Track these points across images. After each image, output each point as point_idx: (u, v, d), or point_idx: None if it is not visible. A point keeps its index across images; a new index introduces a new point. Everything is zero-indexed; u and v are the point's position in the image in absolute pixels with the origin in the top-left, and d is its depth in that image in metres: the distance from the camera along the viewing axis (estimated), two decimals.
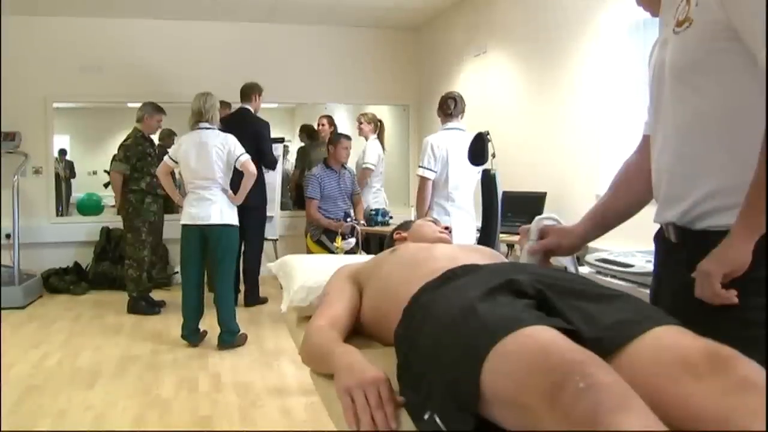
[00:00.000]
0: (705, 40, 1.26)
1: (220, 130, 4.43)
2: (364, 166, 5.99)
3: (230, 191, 4.37)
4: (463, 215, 4.15)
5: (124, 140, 5.40)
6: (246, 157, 4.33)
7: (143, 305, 5.40)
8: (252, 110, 5.48)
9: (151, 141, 5.47)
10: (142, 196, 5.33)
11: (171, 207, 7.40)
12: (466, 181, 4.15)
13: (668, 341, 1.14)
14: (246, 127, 5.17)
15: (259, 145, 5.20)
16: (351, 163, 5.81)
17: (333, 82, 7.19)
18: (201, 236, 4.30)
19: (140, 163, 5.30)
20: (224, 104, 5.69)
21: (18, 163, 6.05)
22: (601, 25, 4.15)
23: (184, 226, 4.33)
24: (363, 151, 6.07)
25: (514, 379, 1.06)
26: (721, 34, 1.24)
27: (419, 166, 4.12)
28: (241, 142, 4.42)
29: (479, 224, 3.83)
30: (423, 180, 4.11)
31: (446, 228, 2.23)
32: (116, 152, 5.46)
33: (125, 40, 6.60)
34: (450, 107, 4.17)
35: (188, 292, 4.39)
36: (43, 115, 6.46)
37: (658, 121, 1.44)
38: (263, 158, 5.29)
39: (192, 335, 4.39)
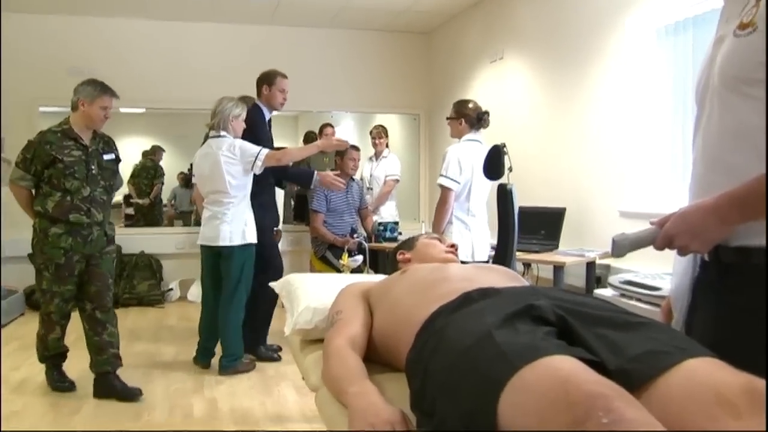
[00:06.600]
0: (766, 50, 1.24)
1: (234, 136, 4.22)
2: (392, 177, 6.17)
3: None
4: (483, 231, 4.14)
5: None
6: (266, 152, 4.14)
7: (54, 376, 3.95)
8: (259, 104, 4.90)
9: (77, 140, 3.62)
10: (47, 225, 3.60)
11: (157, 220, 7.45)
12: (483, 195, 4.15)
13: (703, 375, 1.13)
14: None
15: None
16: (357, 177, 5.84)
17: (339, 90, 7.21)
18: (212, 256, 4.31)
19: (47, 172, 3.57)
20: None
21: (1, 171, 6.06)
22: (627, 30, 4.16)
23: (200, 246, 4.36)
24: (385, 163, 6.24)
25: (532, 413, 1.06)
26: None
27: (443, 176, 4.01)
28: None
29: (494, 241, 3.83)
30: (446, 191, 4.01)
31: (452, 246, 2.22)
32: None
33: (118, 41, 6.65)
34: (484, 120, 4.13)
35: (205, 313, 4.42)
36: (28, 120, 6.45)
37: (700, 122, 1.42)
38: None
39: (204, 357, 4.40)
